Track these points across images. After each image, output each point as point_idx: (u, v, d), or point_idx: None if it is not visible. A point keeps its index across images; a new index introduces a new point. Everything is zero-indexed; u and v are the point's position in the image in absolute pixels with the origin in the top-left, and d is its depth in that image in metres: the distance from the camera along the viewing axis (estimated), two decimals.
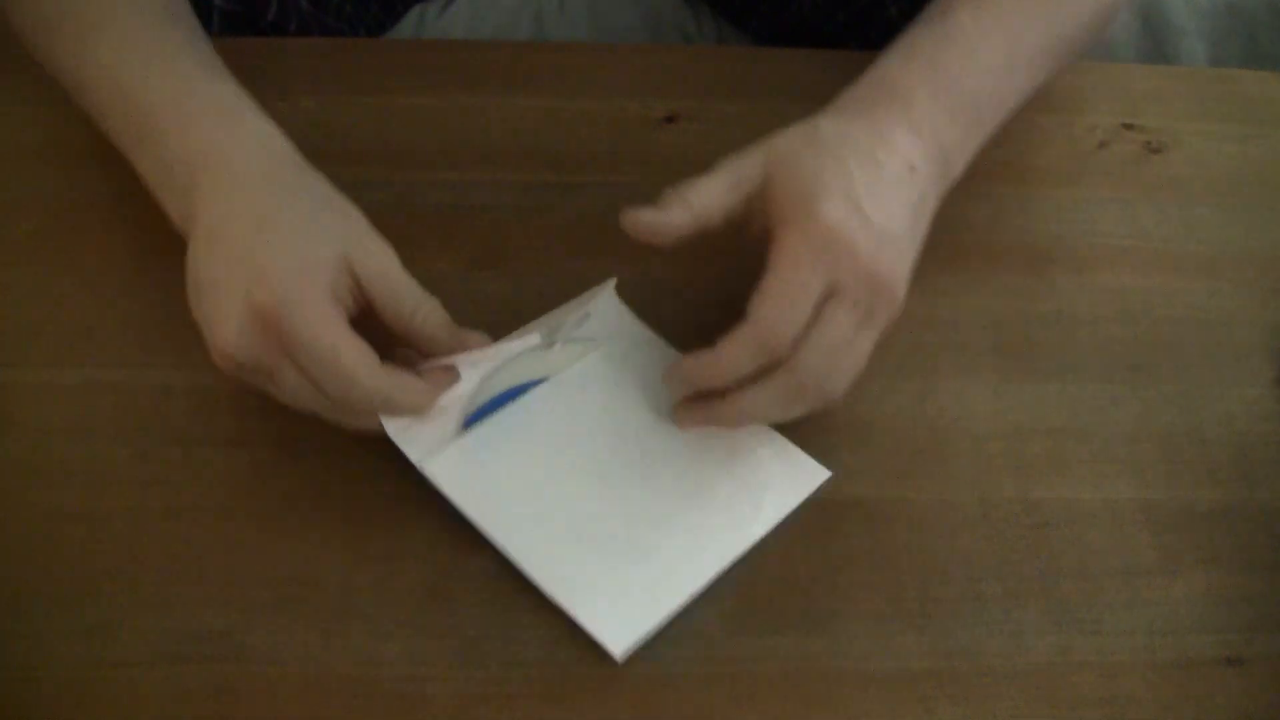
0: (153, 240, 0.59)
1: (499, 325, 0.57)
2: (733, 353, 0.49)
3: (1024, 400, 0.57)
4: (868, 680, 0.49)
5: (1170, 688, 0.49)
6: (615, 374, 0.56)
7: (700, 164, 0.59)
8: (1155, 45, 1.00)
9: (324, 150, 0.61)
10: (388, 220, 0.60)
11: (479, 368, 0.52)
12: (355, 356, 0.47)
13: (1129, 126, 0.69)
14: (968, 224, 0.64)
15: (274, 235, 0.48)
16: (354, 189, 0.60)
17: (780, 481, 0.53)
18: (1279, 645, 0.51)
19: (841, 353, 0.50)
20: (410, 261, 0.59)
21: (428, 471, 0.51)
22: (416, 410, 0.50)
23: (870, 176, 0.51)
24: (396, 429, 0.51)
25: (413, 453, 0.51)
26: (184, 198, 0.51)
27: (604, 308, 0.57)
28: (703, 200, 0.51)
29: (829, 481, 0.54)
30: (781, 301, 0.48)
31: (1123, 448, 0.56)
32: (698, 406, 0.52)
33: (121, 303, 0.57)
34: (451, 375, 0.51)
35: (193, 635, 0.48)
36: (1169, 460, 0.56)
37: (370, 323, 0.49)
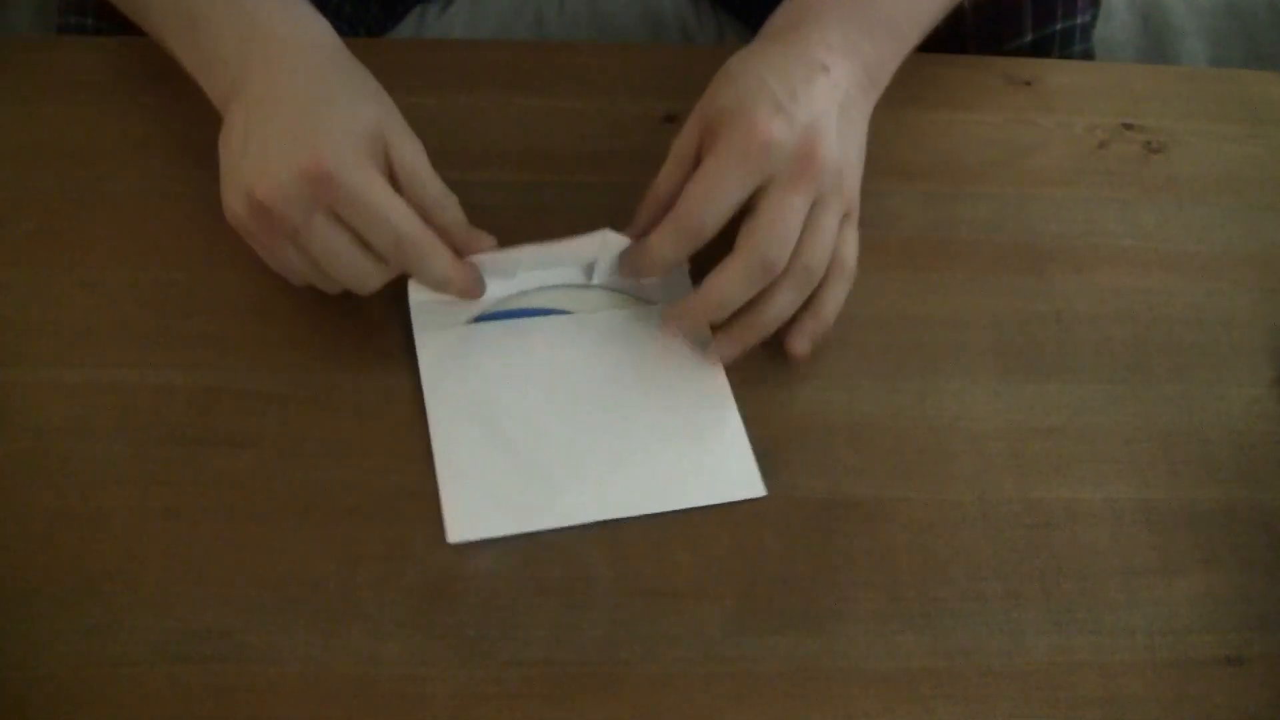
0: (153, 241, 0.59)
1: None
2: (657, 242, 0.54)
3: (1024, 400, 0.57)
4: (868, 680, 0.49)
5: (1170, 688, 0.49)
6: (633, 335, 0.57)
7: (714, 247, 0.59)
8: (1155, 45, 1.00)
9: None
10: None
11: (501, 274, 0.56)
12: (403, 209, 0.51)
13: (1129, 126, 0.69)
14: (968, 224, 0.64)
15: (325, 106, 0.52)
16: None
17: (715, 476, 0.54)
18: (1279, 645, 0.51)
19: (790, 227, 0.53)
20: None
21: (419, 343, 0.55)
22: (445, 275, 0.53)
23: (788, 83, 0.54)
24: (417, 303, 0.55)
25: (417, 325, 0.55)
26: (234, 68, 0.54)
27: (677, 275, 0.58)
28: (659, 191, 0.56)
29: (828, 480, 0.54)
30: (699, 189, 0.53)
31: (1123, 448, 0.56)
32: (672, 310, 0.55)
33: (121, 303, 0.57)
34: (475, 273, 0.55)
35: (193, 635, 0.48)
36: (1169, 460, 0.56)
37: None
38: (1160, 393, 0.58)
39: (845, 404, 0.56)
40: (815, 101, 0.54)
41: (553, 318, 0.57)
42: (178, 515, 0.51)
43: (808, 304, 0.55)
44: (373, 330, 0.57)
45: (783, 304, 0.54)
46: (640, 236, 0.55)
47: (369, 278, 0.53)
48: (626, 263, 0.56)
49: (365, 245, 0.52)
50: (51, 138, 0.63)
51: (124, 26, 0.64)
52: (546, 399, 0.55)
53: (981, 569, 0.52)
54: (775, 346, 0.58)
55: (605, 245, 0.56)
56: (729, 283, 0.53)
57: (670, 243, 0.54)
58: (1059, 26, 0.73)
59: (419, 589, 0.50)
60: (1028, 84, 0.70)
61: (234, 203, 0.53)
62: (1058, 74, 0.71)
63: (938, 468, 0.55)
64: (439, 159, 0.61)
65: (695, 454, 0.54)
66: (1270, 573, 0.53)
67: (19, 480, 0.52)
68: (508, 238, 0.61)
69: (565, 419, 0.54)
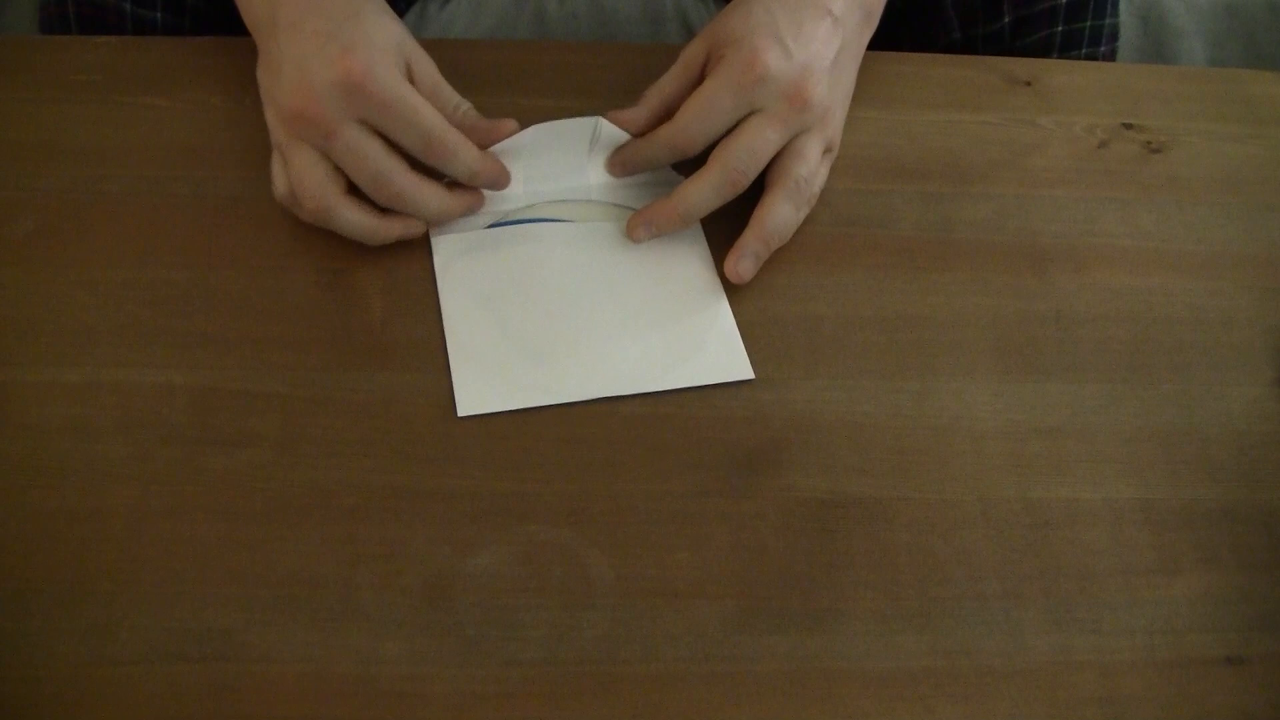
0: (153, 240, 0.59)
1: None
2: (646, 146, 0.61)
3: (1024, 400, 0.57)
4: (868, 680, 0.49)
5: (1170, 688, 0.49)
6: (628, 244, 0.61)
7: (698, 162, 0.60)
8: (1155, 45, 1.00)
9: None
10: None
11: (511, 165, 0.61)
12: (431, 110, 0.57)
13: (1129, 126, 0.69)
14: (968, 224, 0.64)
15: (353, 23, 0.56)
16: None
17: (705, 357, 0.57)
18: (1279, 645, 0.51)
19: (762, 151, 0.58)
20: (409, 261, 0.59)
21: (434, 245, 0.60)
22: (472, 168, 0.59)
23: (795, 21, 0.59)
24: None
25: (434, 232, 0.60)
26: (267, 5, 0.58)
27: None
28: (663, 90, 0.61)
29: (828, 480, 0.54)
30: (693, 108, 0.59)
31: (1123, 448, 0.56)
32: (644, 212, 0.61)
33: (121, 303, 0.57)
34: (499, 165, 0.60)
35: (193, 635, 0.48)
36: (1169, 460, 0.56)
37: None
38: (1160, 393, 0.58)
39: (845, 404, 0.56)
40: (814, 43, 0.59)
41: (557, 224, 0.62)
42: (178, 515, 0.51)
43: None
44: (373, 330, 0.57)
45: (783, 215, 0.59)
46: (633, 127, 0.61)
47: (392, 176, 0.57)
48: (617, 159, 0.62)
49: (392, 150, 0.57)
50: (51, 138, 0.63)
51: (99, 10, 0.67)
52: (549, 290, 0.59)
53: (981, 569, 0.52)
54: (774, 347, 0.58)
55: (598, 135, 0.61)
56: (697, 191, 0.59)
57: (660, 149, 0.60)
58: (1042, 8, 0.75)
59: (419, 589, 0.50)
60: (1028, 84, 0.71)
61: (273, 119, 0.58)
62: (1058, 74, 0.71)
63: (938, 468, 0.55)
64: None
65: (688, 339, 0.58)
66: (1270, 573, 0.53)
67: (19, 480, 0.52)
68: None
69: (566, 308, 0.59)
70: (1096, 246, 0.63)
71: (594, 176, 0.63)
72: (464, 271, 0.59)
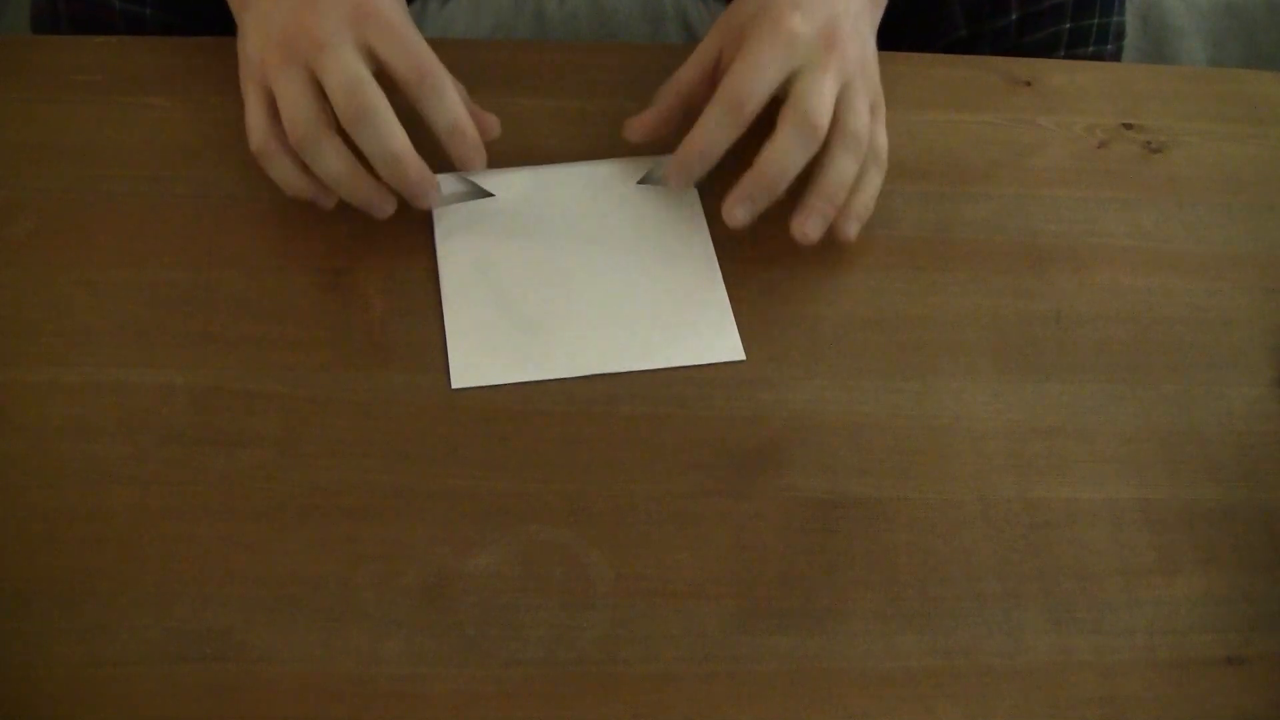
0: (153, 241, 0.59)
1: None
2: (705, 123, 0.58)
3: (1024, 400, 0.57)
4: (868, 680, 0.49)
5: (1170, 688, 0.49)
6: (631, 203, 0.62)
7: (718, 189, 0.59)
8: (1155, 45, 1.00)
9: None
10: (387, 220, 0.60)
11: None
12: (430, 51, 0.57)
13: (1129, 126, 0.69)
14: (968, 224, 0.64)
15: None
16: None
17: (696, 337, 0.58)
18: (1279, 645, 0.51)
19: (825, 97, 0.57)
20: (410, 261, 0.59)
21: (436, 216, 0.60)
22: (456, 114, 0.58)
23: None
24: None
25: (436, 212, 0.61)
26: None
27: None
28: (679, 84, 0.62)
29: (828, 480, 0.54)
30: (740, 67, 0.58)
31: (1123, 448, 0.56)
32: (737, 191, 0.58)
33: (121, 303, 0.57)
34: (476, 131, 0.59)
35: (192, 635, 0.48)
36: (1169, 460, 0.56)
37: None
38: (1160, 393, 0.58)
39: (845, 404, 0.56)
40: (830, 3, 0.59)
41: (562, 192, 0.62)
42: (178, 515, 0.51)
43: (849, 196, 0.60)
44: (373, 329, 0.57)
45: (843, 168, 0.59)
46: (652, 128, 0.62)
47: (367, 89, 0.55)
48: (676, 168, 0.60)
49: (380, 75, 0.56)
50: (51, 138, 0.63)
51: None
52: (547, 266, 0.59)
53: (981, 569, 0.52)
54: (774, 347, 0.58)
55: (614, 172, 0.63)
56: (781, 150, 0.57)
57: (717, 120, 0.58)
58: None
59: (419, 589, 0.50)
60: (1028, 84, 0.71)
61: (259, 46, 0.57)
62: (1058, 74, 0.71)
63: (938, 468, 0.55)
64: (439, 159, 0.61)
65: (681, 318, 0.58)
66: (1270, 573, 0.53)
67: (19, 480, 0.52)
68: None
69: (565, 283, 0.59)
70: (1096, 246, 0.63)
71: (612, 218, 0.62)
72: (465, 243, 0.60)
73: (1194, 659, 0.50)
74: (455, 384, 0.55)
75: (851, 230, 0.60)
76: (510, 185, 0.62)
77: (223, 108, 0.64)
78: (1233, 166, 0.68)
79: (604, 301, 0.58)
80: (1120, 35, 0.78)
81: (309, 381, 0.55)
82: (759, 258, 0.61)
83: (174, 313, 0.57)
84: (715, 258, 0.60)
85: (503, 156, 0.64)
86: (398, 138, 0.56)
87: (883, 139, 0.61)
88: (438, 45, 0.60)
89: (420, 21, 0.81)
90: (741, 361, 0.57)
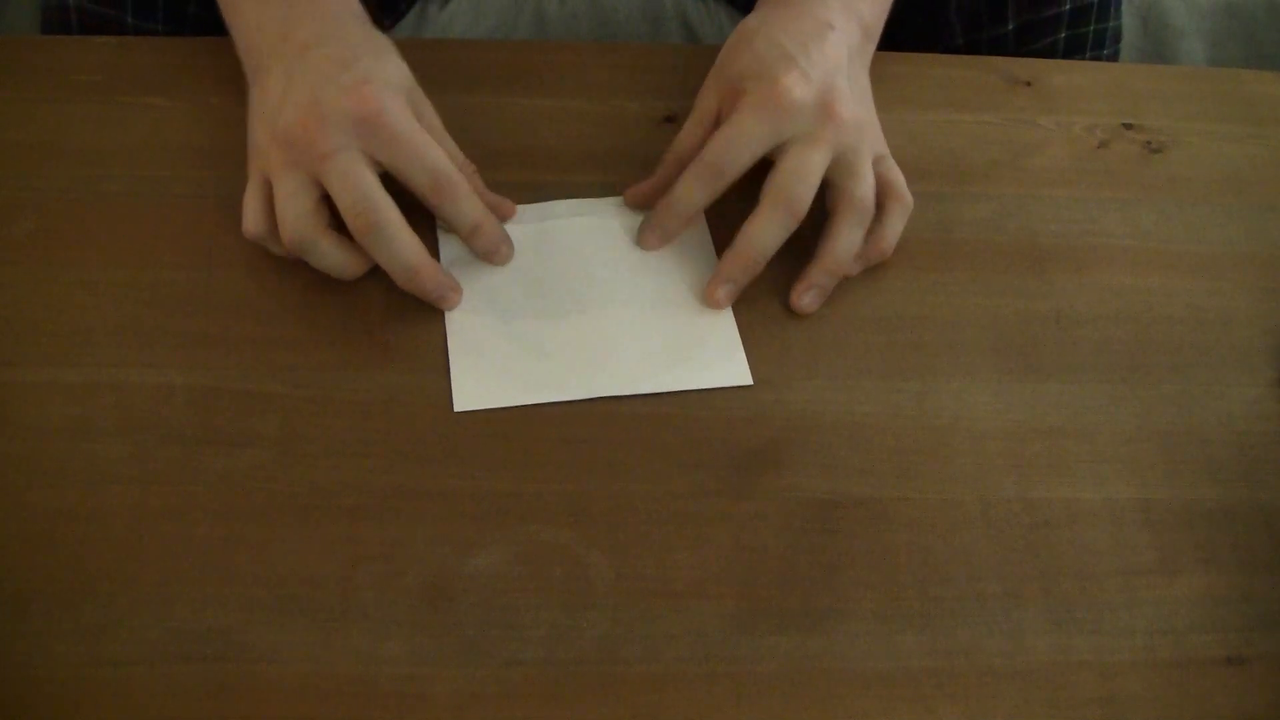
0: (153, 240, 0.59)
1: None
2: (681, 186, 0.59)
3: (1024, 400, 0.57)
4: (868, 680, 0.49)
5: (1170, 688, 0.49)
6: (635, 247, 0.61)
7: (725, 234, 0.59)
8: (1155, 45, 1.00)
9: None
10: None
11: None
12: (440, 152, 0.56)
13: (1129, 126, 0.69)
14: (968, 224, 0.64)
15: (374, 59, 0.57)
16: None
17: (705, 361, 0.57)
18: (1279, 645, 0.51)
19: (811, 174, 0.57)
20: None
21: (441, 240, 0.60)
22: (476, 218, 0.58)
23: (802, 42, 0.58)
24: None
25: (442, 230, 0.61)
26: (275, 29, 0.58)
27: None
28: (680, 147, 0.61)
29: (828, 480, 0.54)
30: (724, 135, 0.57)
31: (1123, 448, 0.56)
32: (719, 274, 0.58)
33: (121, 303, 0.57)
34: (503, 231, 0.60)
35: (192, 635, 0.48)
36: (1169, 460, 0.56)
37: None
38: (1160, 393, 0.58)
39: (845, 404, 0.56)
40: (828, 59, 0.58)
41: (569, 221, 0.61)
42: (178, 515, 0.51)
43: (868, 237, 0.60)
44: (373, 330, 0.57)
45: (848, 242, 0.58)
46: (654, 188, 0.61)
47: (378, 203, 0.54)
48: (651, 226, 0.60)
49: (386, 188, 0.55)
50: (51, 138, 0.63)
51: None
52: (553, 290, 0.59)
53: (981, 569, 0.52)
54: (774, 347, 0.58)
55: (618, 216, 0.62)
56: (759, 229, 0.57)
57: (693, 185, 0.58)
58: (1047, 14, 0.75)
59: (419, 589, 0.50)
60: (1028, 84, 0.71)
61: (263, 143, 0.56)
62: (1058, 74, 0.71)
63: (938, 468, 0.55)
64: None
65: (689, 342, 0.58)
66: (1270, 573, 0.53)
67: (19, 480, 0.52)
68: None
69: (571, 307, 0.58)
70: (1096, 246, 0.63)
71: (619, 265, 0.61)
72: (469, 269, 0.59)
73: (1194, 659, 0.50)
74: (458, 407, 0.54)
75: (715, 291, 0.58)
76: (515, 227, 0.61)
77: (223, 108, 0.64)
78: (1233, 166, 0.68)
79: (610, 326, 0.58)
80: (1116, 39, 0.78)
81: (309, 381, 0.55)
82: None
83: (174, 313, 0.57)
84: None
85: (503, 156, 0.64)
86: (411, 249, 0.55)
87: (898, 177, 0.61)
88: (438, 45, 0.60)
89: (420, 23, 0.81)
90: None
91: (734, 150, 0.57)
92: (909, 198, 0.61)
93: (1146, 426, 0.57)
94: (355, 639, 0.48)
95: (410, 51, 0.61)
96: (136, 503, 0.51)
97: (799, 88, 0.57)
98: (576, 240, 0.61)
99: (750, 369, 0.57)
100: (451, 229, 0.59)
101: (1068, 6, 0.74)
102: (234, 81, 0.63)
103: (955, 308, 0.60)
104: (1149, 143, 0.68)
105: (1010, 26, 0.75)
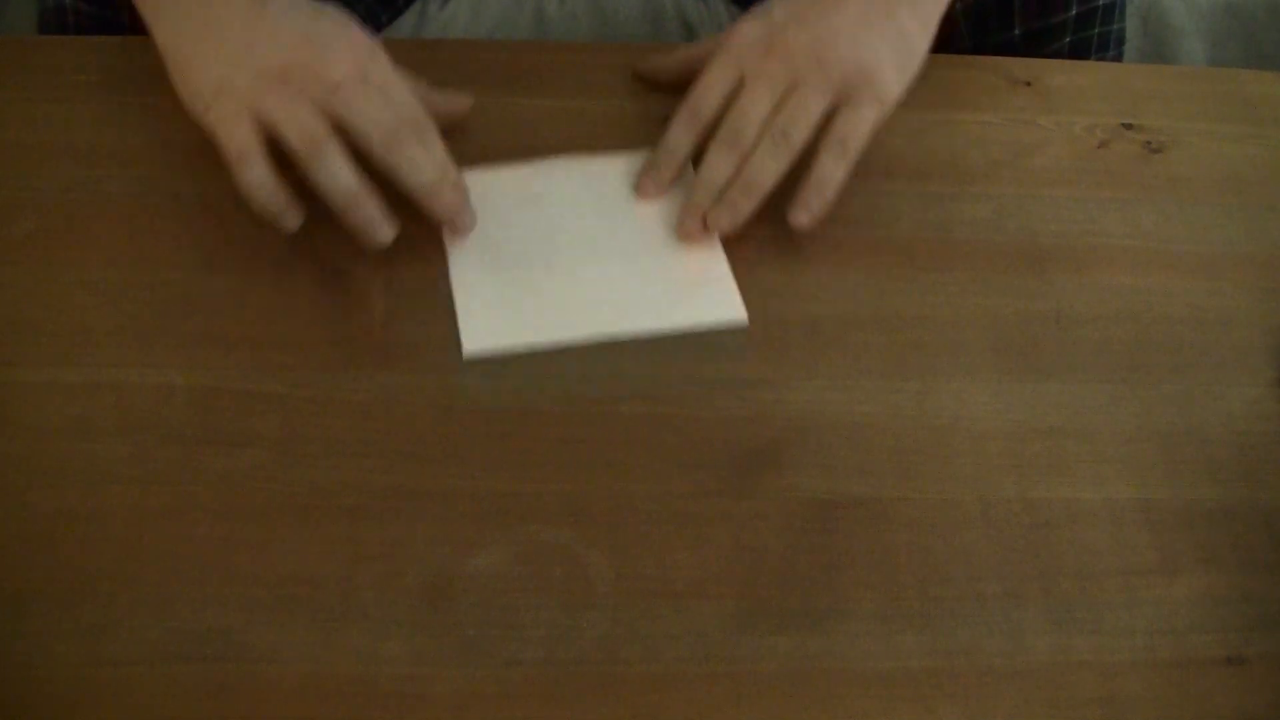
0: (153, 241, 0.59)
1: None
2: (671, 133, 0.62)
3: (1024, 400, 0.57)
4: (868, 680, 0.49)
5: (1170, 688, 0.49)
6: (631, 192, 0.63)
7: (697, 163, 0.60)
8: (1155, 46, 1.00)
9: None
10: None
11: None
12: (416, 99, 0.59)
13: (1129, 126, 0.69)
14: (968, 224, 0.64)
15: (333, 12, 0.59)
16: None
17: (700, 300, 0.59)
18: (1279, 645, 0.51)
19: (753, 106, 0.60)
20: (410, 261, 0.59)
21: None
22: (443, 162, 0.59)
23: (793, 6, 0.62)
24: None
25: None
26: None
27: None
28: (689, 53, 0.66)
29: (828, 480, 0.54)
30: (698, 83, 0.62)
31: (1123, 448, 0.56)
32: (719, 206, 0.61)
33: (121, 303, 0.57)
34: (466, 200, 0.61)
35: (192, 635, 0.48)
36: (1169, 460, 0.56)
37: None
38: (1160, 393, 0.58)
39: (845, 404, 0.56)
40: (806, 8, 0.62)
41: (565, 176, 0.64)
42: (178, 515, 0.51)
43: (805, 177, 0.61)
44: (373, 330, 0.57)
45: (759, 166, 0.60)
46: (663, 73, 0.67)
47: (404, 129, 0.57)
48: (646, 175, 0.63)
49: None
50: (51, 138, 0.63)
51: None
52: (552, 239, 0.61)
53: (981, 569, 0.52)
54: (774, 347, 0.58)
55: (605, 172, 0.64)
56: (710, 161, 0.61)
57: (680, 129, 0.62)
58: (1101, 1, 0.75)
59: (419, 589, 0.50)
60: (1028, 84, 0.71)
61: (243, 74, 0.57)
62: (1058, 74, 0.71)
63: (938, 468, 0.55)
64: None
65: (684, 282, 0.60)
66: (1270, 573, 0.53)
67: (19, 480, 0.52)
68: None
69: (567, 254, 0.60)
70: (1096, 246, 0.63)
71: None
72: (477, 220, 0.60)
73: (1194, 659, 0.50)
74: (466, 348, 0.56)
75: (798, 218, 0.61)
76: (515, 176, 0.63)
77: None
78: (1233, 166, 0.68)
79: (607, 269, 0.60)
80: (1121, 42, 0.79)
81: (309, 381, 0.55)
82: (759, 258, 0.61)
83: (174, 313, 0.57)
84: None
85: (503, 156, 0.64)
86: (438, 159, 0.58)
87: (852, 128, 0.61)
88: (438, 45, 0.60)
89: (420, 23, 0.81)
90: (743, 359, 0.57)
91: (705, 93, 0.61)
92: (853, 146, 0.61)
93: (1146, 426, 0.57)
94: (355, 639, 0.48)
95: (410, 51, 0.61)
96: (136, 503, 0.51)
97: (749, 28, 0.62)
98: (572, 193, 0.63)
99: (745, 351, 0.57)
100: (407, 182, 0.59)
101: (1074, 11, 0.74)
102: None
103: (955, 308, 0.60)
104: (1149, 143, 0.68)
105: (1017, 32, 0.75)
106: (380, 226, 0.58)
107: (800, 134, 0.60)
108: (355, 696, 0.47)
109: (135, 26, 0.70)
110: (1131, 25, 0.98)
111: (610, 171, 0.64)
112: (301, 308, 0.57)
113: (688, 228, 0.61)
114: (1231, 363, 0.59)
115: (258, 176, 0.57)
